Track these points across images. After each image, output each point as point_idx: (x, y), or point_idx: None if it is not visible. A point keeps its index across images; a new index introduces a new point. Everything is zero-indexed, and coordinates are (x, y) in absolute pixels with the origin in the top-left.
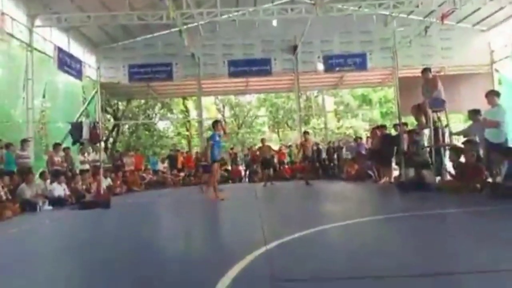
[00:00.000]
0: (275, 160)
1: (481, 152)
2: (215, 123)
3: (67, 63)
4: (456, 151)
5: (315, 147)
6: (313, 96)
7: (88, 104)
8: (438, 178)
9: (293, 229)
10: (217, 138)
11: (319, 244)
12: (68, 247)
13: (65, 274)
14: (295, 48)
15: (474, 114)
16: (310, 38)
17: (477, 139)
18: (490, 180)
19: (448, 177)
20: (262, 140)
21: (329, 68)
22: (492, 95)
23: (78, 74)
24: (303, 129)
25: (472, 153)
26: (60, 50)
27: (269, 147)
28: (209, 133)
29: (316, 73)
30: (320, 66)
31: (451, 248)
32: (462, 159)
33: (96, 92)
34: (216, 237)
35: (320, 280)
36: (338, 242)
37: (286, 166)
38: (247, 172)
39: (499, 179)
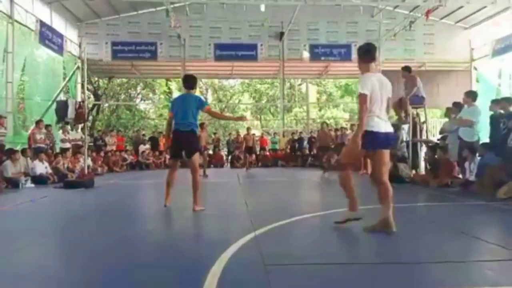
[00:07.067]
0: (258, 146)
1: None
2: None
3: (49, 37)
4: (431, 148)
5: (297, 136)
6: (297, 84)
7: (69, 80)
8: (413, 172)
9: (277, 217)
10: None
11: (301, 232)
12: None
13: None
14: (281, 34)
15: (450, 111)
16: (297, 25)
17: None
18: (461, 176)
19: (423, 171)
20: (248, 129)
21: (314, 57)
22: (469, 95)
23: (60, 49)
24: (286, 117)
25: (444, 149)
26: (42, 23)
27: (254, 135)
28: None
29: (302, 61)
30: (306, 55)
31: (417, 239)
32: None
33: (78, 68)
34: (206, 221)
35: (305, 265)
36: (316, 231)
37: (268, 153)
38: (229, 158)
39: (469, 176)
